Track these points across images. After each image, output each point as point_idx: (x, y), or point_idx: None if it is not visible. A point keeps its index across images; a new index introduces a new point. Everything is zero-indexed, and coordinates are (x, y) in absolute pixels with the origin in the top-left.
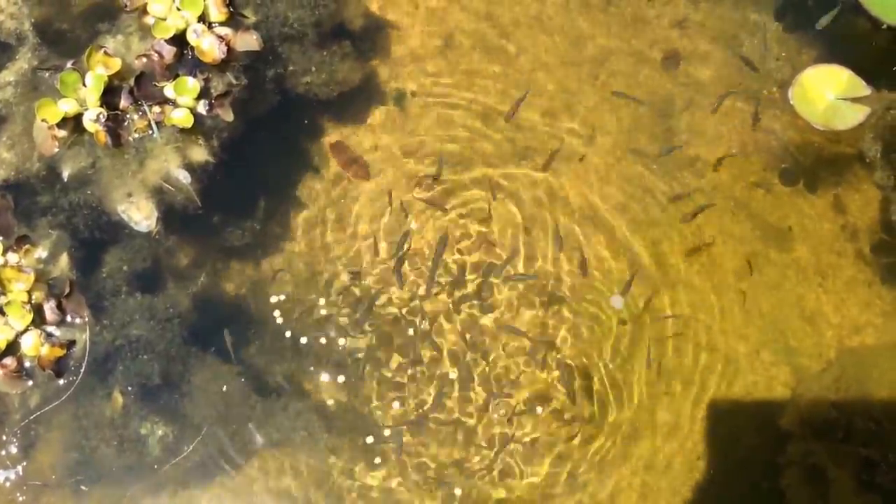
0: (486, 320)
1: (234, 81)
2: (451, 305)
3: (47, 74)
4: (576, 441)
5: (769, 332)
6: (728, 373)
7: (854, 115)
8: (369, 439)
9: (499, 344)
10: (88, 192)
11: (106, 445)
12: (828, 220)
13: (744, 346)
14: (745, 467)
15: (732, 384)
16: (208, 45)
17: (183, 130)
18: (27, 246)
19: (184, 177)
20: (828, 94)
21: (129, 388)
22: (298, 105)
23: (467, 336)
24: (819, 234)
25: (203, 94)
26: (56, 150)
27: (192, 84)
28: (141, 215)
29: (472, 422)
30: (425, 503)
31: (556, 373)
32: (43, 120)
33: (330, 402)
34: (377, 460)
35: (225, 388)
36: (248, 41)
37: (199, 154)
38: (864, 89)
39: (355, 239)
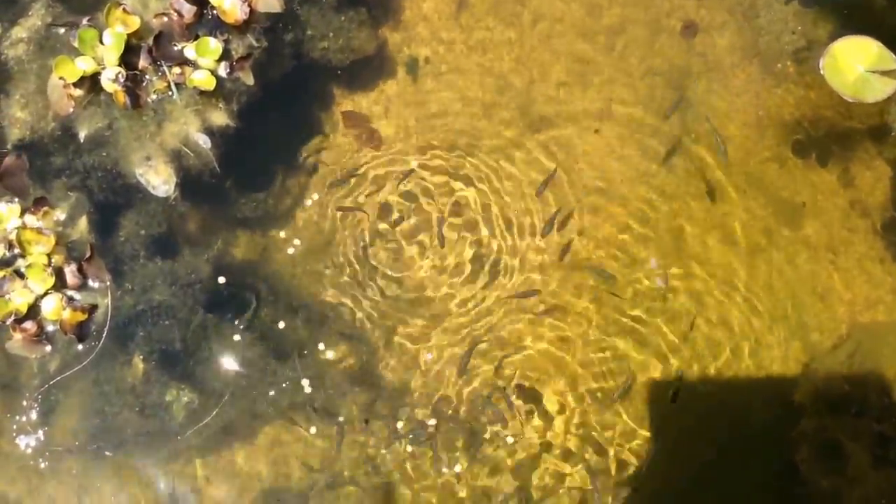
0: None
1: (254, 44)
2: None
3: (62, 31)
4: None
5: (781, 308)
6: (740, 348)
7: (883, 88)
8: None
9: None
10: (105, 154)
11: (128, 411)
12: (839, 195)
13: (756, 321)
14: (759, 442)
15: (745, 360)
16: (230, 5)
17: (203, 93)
18: (45, 208)
19: (204, 141)
20: (858, 65)
21: (151, 354)
22: (313, 71)
23: (477, 308)
24: (831, 209)
25: (223, 55)
26: (72, 109)
27: (214, 45)
28: (159, 179)
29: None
30: None
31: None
32: (60, 78)
33: (344, 364)
34: (400, 424)
35: (245, 353)
36: (270, 2)
37: (220, 118)
38: (893, 63)
39: (367, 208)
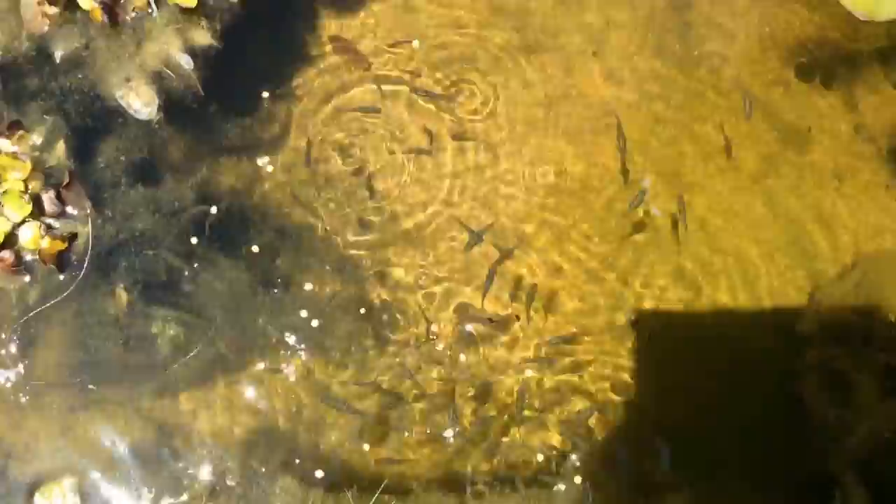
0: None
1: None
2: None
3: None
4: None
5: (784, 235)
6: (742, 277)
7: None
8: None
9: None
10: (82, 75)
11: (112, 344)
12: (844, 120)
13: (758, 250)
14: (762, 375)
15: (746, 289)
16: None
17: (184, 10)
18: (21, 132)
19: (186, 62)
20: None
21: (135, 285)
22: None
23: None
24: (836, 135)
25: None
26: (46, 28)
27: None
28: (140, 101)
29: None
30: None
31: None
32: None
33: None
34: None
35: (232, 283)
36: None
37: (202, 37)
38: None
39: (356, 132)
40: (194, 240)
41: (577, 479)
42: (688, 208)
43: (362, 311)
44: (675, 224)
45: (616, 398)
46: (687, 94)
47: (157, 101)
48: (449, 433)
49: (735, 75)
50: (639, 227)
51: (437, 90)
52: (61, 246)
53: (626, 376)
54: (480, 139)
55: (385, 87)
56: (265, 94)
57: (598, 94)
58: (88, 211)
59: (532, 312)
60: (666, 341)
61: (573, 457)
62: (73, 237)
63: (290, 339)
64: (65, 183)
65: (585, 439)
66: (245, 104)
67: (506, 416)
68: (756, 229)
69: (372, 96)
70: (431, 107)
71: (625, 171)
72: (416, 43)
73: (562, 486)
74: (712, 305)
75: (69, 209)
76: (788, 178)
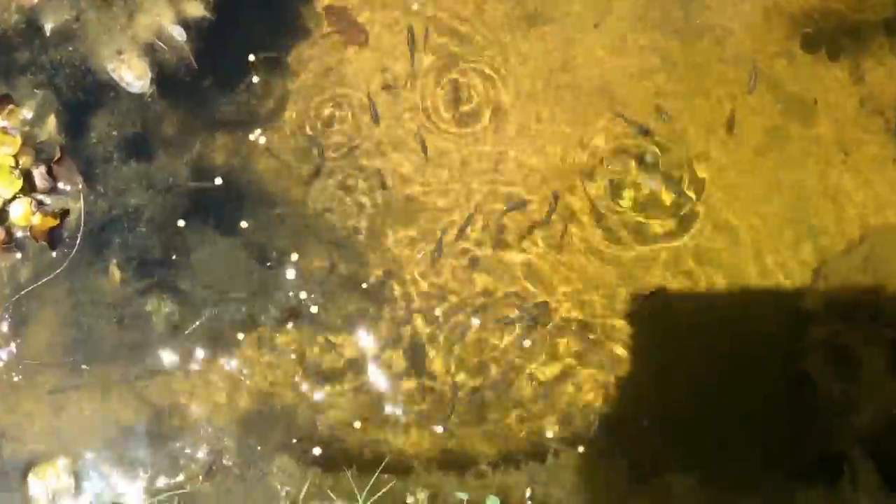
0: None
1: None
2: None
3: None
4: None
5: (790, 210)
6: (746, 253)
7: None
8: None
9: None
10: (73, 48)
11: (106, 322)
12: (850, 92)
13: (763, 224)
14: (768, 351)
15: (751, 265)
16: None
17: None
18: (10, 106)
19: (179, 34)
20: None
21: (129, 262)
22: None
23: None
24: (842, 107)
25: None
26: (36, 0)
27: None
28: (133, 75)
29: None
30: None
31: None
32: None
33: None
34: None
35: (228, 260)
36: None
37: (195, 9)
38: None
39: (351, 107)
40: (189, 216)
41: (579, 459)
42: (690, 183)
43: (362, 286)
44: (677, 199)
45: (617, 377)
46: (689, 66)
47: (149, 75)
48: (450, 411)
49: (739, 47)
50: (640, 203)
51: (437, 62)
52: (53, 222)
53: (627, 354)
54: (481, 113)
55: (383, 59)
56: (259, 67)
57: (600, 66)
58: (80, 186)
59: (526, 285)
60: (668, 318)
61: (574, 438)
62: (64, 213)
63: (288, 315)
64: (56, 158)
65: (587, 420)
66: (239, 77)
67: (506, 396)
68: (760, 204)
69: (369, 68)
70: (430, 79)
71: (625, 146)
72: (415, 5)
73: (563, 467)
74: (715, 282)
75: (61, 185)
76: (793, 152)
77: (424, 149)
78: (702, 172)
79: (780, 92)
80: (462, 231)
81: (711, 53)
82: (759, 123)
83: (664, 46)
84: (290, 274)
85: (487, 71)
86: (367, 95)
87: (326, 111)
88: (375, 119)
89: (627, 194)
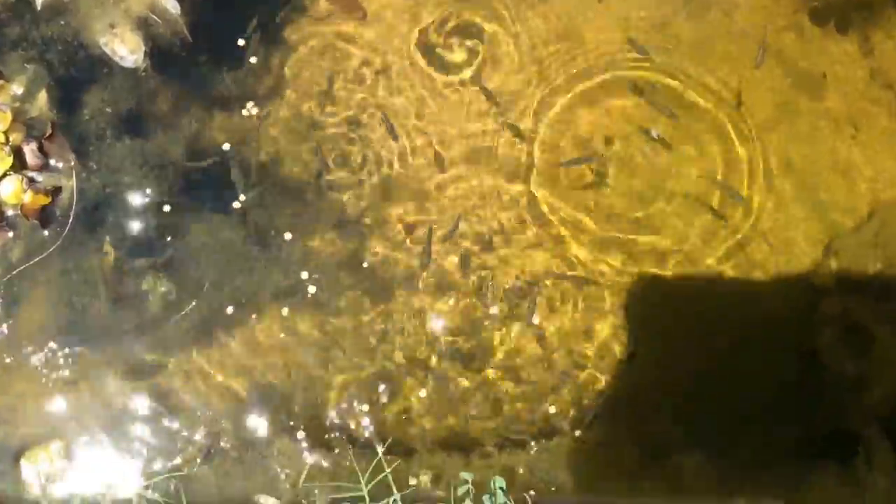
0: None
1: None
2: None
3: None
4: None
5: (799, 185)
6: (754, 229)
7: None
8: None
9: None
10: (64, 22)
11: (100, 303)
12: (860, 66)
13: (772, 200)
14: (777, 328)
15: (759, 241)
16: None
17: None
18: (1, 82)
19: (172, 6)
20: None
21: (123, 241)
22: None
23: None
24: (852, 81)
25: None
26: None
27: None
28: (126, 49)
29: None
30: None
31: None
32: None
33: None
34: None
35: (225, 238)
36: None
37: None
38: None
39: (351, 83)
40: (185, 194)
41: (586, 439)
42: (699, 158)
43: (362, 265)
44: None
45: (625, 355)
46: (696, 39)
47: (143, 49)
48: (453, 390)
49: (747, 20)
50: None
51: (439, 39)
52: (45, 200)
53: (635, 330)
54: (483, 86)
55: (381, 35)
56: (256, 41)
57: (605, 40)
58: (72, 163)
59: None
60: (676, 294)
61: (581, 416)
62: (56, 191)
63: (286, 295)
64: (47, 134)
65: (594, 398)
66: (235, 52)
67: (512, 374)
68: (769, 179)
69: (369, 44)
70: (432, 54)
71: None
72: None
73: (570, 446)
74: (724, 259)
75: (52, 162)
76: (802, 126)
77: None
78: (710, 147)
79: (789, 66)
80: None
81: (720, 26)
82: (768, 98)
83: (671, 20)
84: (290, 253)
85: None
86: (382, 114)
87: (326, 88)
88: (393, 136)
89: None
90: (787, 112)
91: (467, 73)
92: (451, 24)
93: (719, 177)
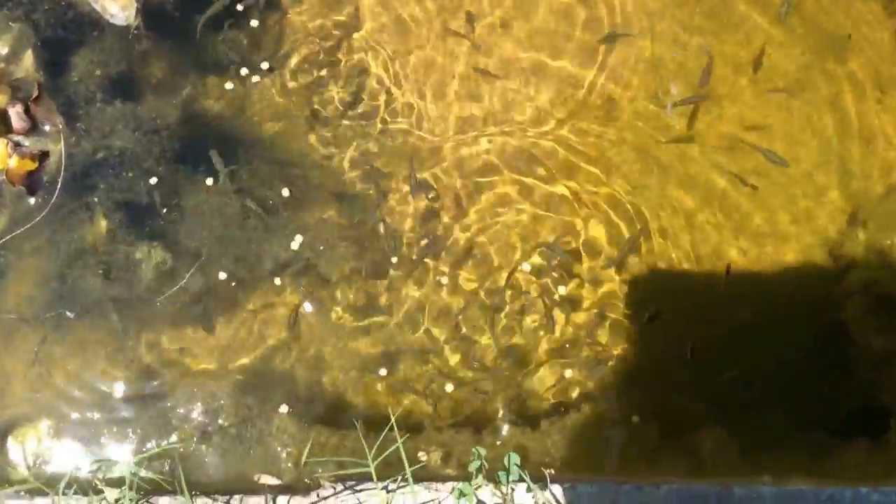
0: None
1: None
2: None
3: None
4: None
5: (823, 153)
6: (776, 198)
7: None
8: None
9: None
10: None
11: (91, 274)
12: (886, 27)
13: (795, 168)
14: (801, 302)
15: (781, 211)
16: None
17: None
18: None
19: None
20: None
21: (115, 211)
22: None
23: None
24: (878, 43)
25: None
26: None
27: None
28: (117, 6)
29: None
30: None
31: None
32: None
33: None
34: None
35: (223, 208)
36: None
37: None
38: None
39: (358, 49)
40: (180, 160)
41: (603, 416)
42: (716, 123)
43: (364, 237)
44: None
45: (645, 328)
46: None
47: (134, 5)
48: (459, 364)
49: None
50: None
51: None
52: (31, 165)
53: (655, 303)
54: (492, 57)
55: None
56: (256, 7)
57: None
58: (60, 127)
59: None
60: (696, 267)
61: (599, 392)
62: (44, 156)
63: (286, 268)
64: (34, 96)
65: (613, 373)
66: (233, 11)
67: (528, 350)
68: (791, 146)
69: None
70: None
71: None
72: None
73: (586, 424)
74: (744, 229)
75: (39, 125)
76: (826, 90)
77: None
78: (729, 110)
79: (812, 26)
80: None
81: None
82: (791, 60)
83: None
84: (287, 223)
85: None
86: (411, 171)
87: (330, 54)
88: (415, 190)
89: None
90: (810, 75)
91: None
92: None
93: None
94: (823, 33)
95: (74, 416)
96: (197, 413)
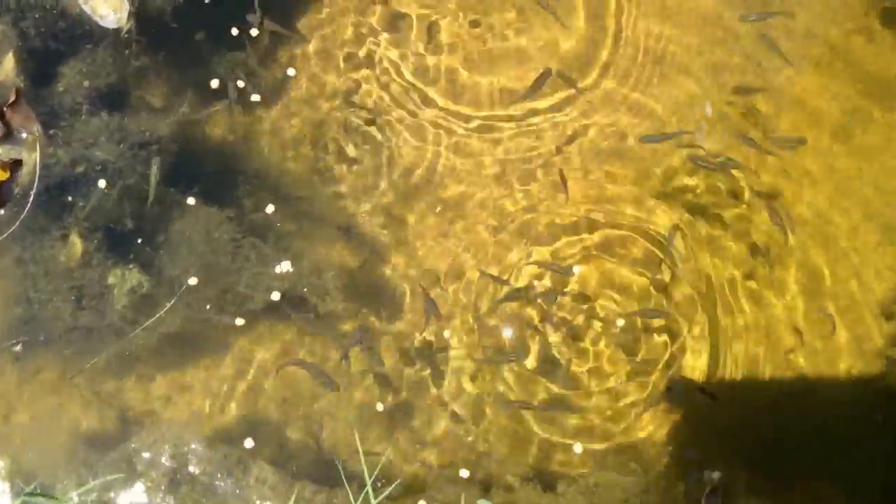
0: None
1: None
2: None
3: None
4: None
5: (871, 204)
6: (824, 254)
7: None
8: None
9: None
10: None
11: (60, 300)
12: None
13: (843, 220)
14: (854, 363)
15: (830, 267)
16: None
17: None
18: None
19: None
20: None
21: (92, 232)
22: None
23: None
24: None
25: None
26: None
27: None
28: (108, 7)
29: None
30: None
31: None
32: None
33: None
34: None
35: (209, 234)
36: None
37: None
38: None
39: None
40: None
41: (632, 482)
42: (759, 174)
43: (358, 267)
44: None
45: (689, 390)
46: (755, 42)
47: (126, 7)
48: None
49: (810, 23)
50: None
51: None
52: (1, 175)
53: (700, 364)
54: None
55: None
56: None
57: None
58: (38, 135)
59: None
60: (739, 327)
61: (625, 456)
62: (16, 165)
63: (275, 298)
64: (10, 101)
65: (653, 433)
66: (234, 31)
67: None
68: (839, 197)
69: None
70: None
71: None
72: None
73: (611, 487)
74: (789, 286)
75: (15, 132)
76: (875, 138)
77: None
78: (772, 160)
79: (858, 71)
80: None
81: (781, 29)
82: (837, 106)
83: (727, 19)
84: (280, 249)
85: None
86: (423, 290)
87: (337, 77)
88: (434, 313)
89: None
90: (858, 122)
91: None
92: None
93: None
94: (870, 78)
95: (31, 456)
96: (166, 458)
